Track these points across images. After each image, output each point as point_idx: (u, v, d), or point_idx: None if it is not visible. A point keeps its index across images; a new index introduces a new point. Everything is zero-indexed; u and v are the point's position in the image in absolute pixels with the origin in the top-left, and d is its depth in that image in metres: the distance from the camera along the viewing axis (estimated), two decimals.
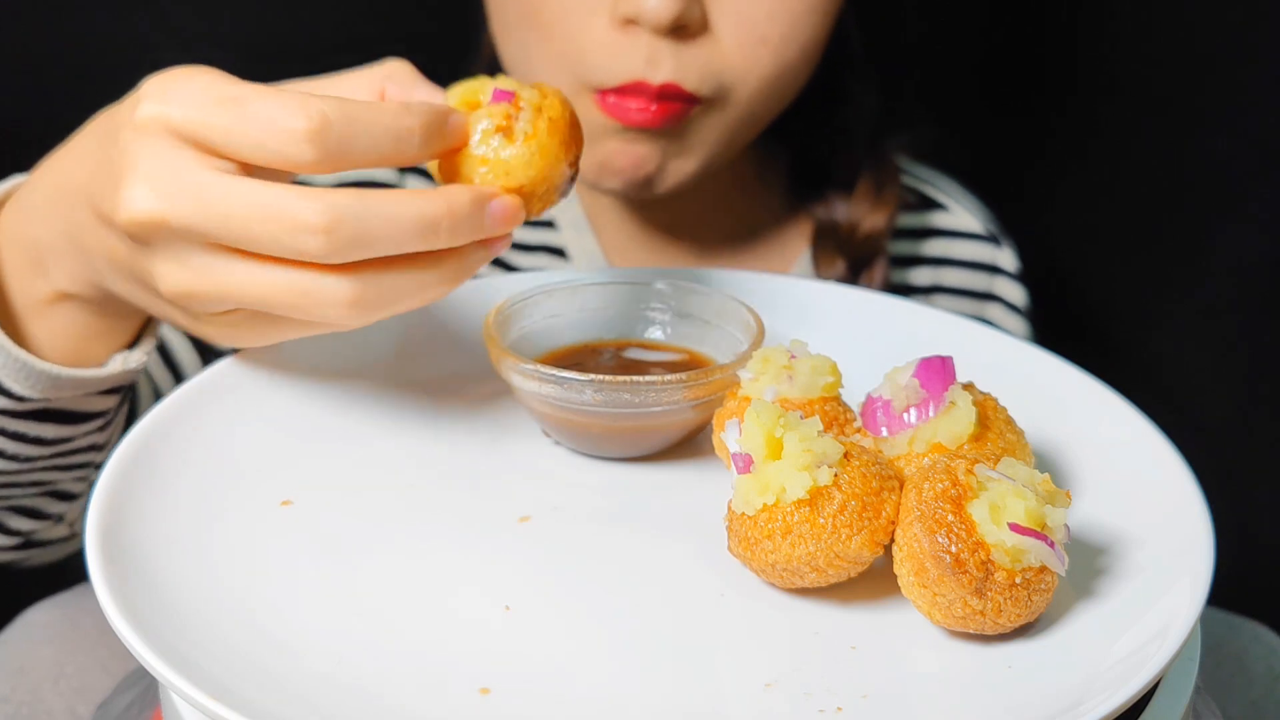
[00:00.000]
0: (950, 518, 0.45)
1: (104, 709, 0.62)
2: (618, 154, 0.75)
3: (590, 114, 0.74)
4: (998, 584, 0.45)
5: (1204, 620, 0.49)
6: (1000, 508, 0.46)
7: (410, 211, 0.50)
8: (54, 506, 0.70)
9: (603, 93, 0.73)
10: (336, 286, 0.50)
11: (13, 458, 0.63)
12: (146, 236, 0.51)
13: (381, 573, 0.50)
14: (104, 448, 0.68)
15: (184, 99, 0.50)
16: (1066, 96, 1.12)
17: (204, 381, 0.59)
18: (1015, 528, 0.45)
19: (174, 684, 0.43)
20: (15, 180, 0.63)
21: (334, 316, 0.51)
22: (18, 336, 0.60)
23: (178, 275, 0.51)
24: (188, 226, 0.50)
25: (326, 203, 0.49)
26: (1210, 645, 0.77)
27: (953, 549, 0.45)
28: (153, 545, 0.50)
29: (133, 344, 0.63)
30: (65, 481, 0.68)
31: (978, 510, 0.46)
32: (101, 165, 0.52)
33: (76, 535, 0.74)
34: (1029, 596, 0.46)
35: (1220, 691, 0.76)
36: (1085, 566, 0.50)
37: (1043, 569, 0.46)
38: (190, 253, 0.51)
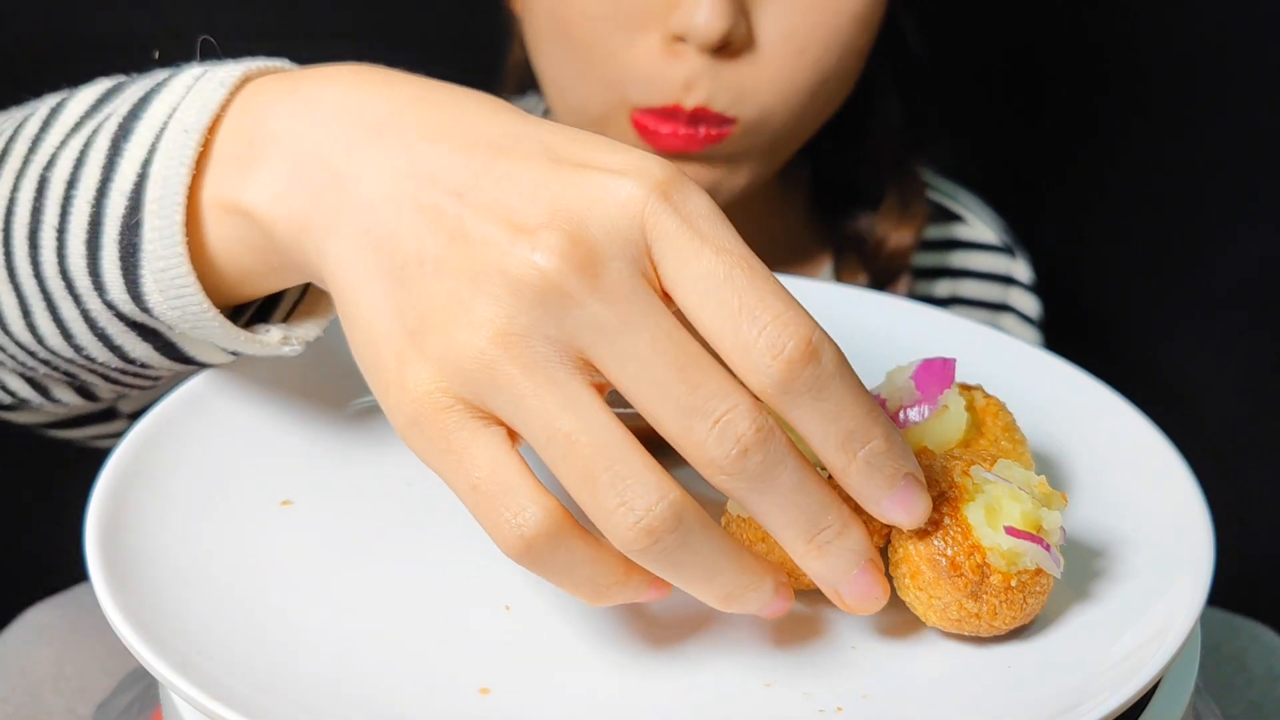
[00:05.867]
0: (946, 520, 0.45)
1: (104, 709, 0.62)
2: None
3: (626, 136, 0.73)
4: (993, 587, 0.45)
5: (1204, 620, 0.49)
6: (996, 510, 0.46)
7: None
8: (69, 396, 0.62)
9: (636, 114, 0.72)
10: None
11: (80, 349, 0.53)
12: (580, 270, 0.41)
13: (381, 573, 0.50)
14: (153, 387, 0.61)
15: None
16: (1073, 105, 1.11)
17: (204, 381, 0.59)
18: (1011, 530, 0.45)
19: (174, 684, 0.43)
20: (264, 63, 0.53)
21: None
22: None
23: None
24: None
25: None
26: (1210, 645, 0.77)
27: (948, 552, 0.45)
28: (153, 545, 0.50)
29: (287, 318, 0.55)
30: (99, 387, 0.60)
31: (973, 513, 0.46)
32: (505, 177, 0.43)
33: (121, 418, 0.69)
34: (1024, 599, 0.45)
35: (1220, 691, 0.76)
36: (1085, 567, 0.50)
37: (1038, 571, 0.46)
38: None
